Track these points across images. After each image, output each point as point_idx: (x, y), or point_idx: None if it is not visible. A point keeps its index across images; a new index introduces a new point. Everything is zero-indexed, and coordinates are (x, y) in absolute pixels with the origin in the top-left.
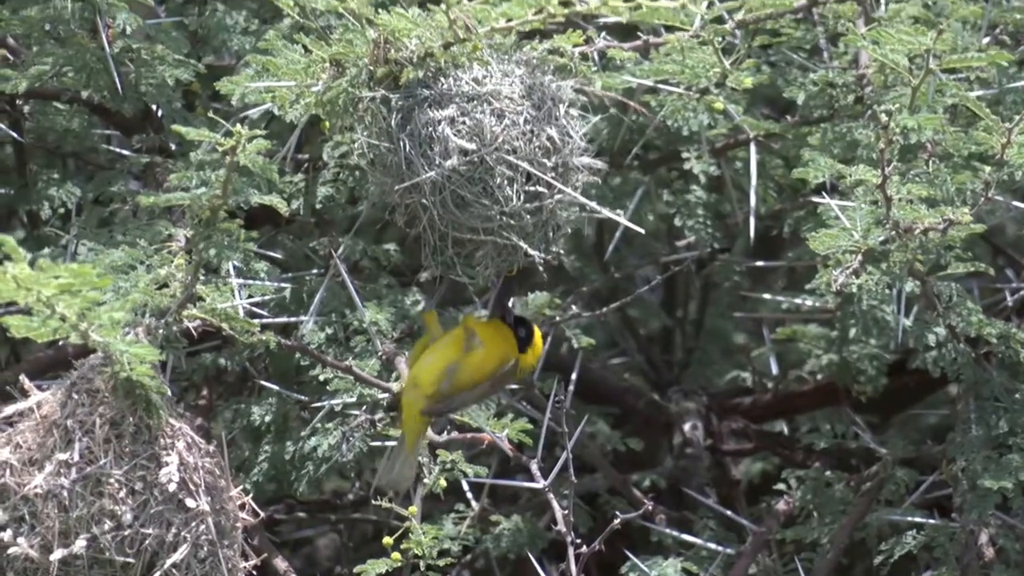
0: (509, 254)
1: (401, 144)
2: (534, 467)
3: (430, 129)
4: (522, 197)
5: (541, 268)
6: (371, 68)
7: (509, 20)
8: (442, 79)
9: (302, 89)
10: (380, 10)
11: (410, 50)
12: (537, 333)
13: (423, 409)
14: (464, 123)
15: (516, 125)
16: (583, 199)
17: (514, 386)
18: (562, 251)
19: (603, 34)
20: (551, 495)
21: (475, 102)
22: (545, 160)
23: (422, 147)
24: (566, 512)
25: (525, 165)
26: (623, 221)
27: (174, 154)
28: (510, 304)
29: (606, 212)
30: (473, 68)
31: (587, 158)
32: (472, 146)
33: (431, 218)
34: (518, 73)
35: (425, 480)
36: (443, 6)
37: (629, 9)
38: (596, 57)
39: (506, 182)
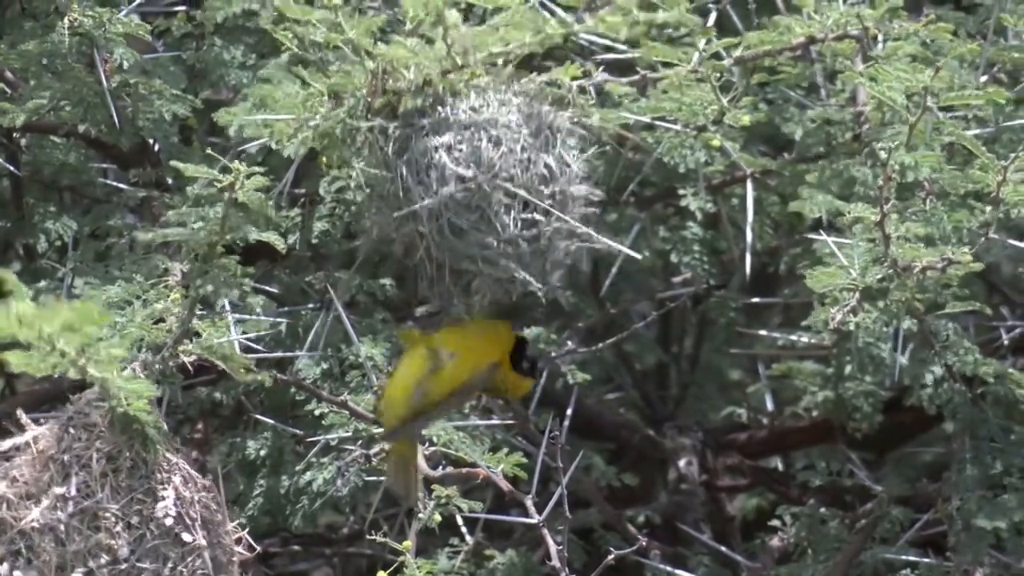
0: (506, 285)
1: (398, 172)
2: (529, 502)
3: (427, 157)
4: (519, 224)
5: (541, 298)
6: (369, 99)
7: (507, 44)
8: (439, 108)
9: (300, 123)
10: (378, 42)
11: (408, 79)
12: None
13: (398, 422)
14: (461, 150)
15: (513, 153)
16: (580, 226)
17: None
18: (560, 285)
19: (601, 68)
20: (545, 530)
21: (472, 130)
22: (542, 188)
23: (419, 175)
24: (560, 547)
25: (522, 193)
26: (624, 249)
27: (171, 188)
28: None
29: (604, 240)
30: (471, 97)
31: (584, 187)
32: (469, 173)
33: (428, 247)
34: (516, 102)
35: (420, 515)
36: (440, 30)
37: (627, 25)
38: (593, 92)
39: (503, 210)
